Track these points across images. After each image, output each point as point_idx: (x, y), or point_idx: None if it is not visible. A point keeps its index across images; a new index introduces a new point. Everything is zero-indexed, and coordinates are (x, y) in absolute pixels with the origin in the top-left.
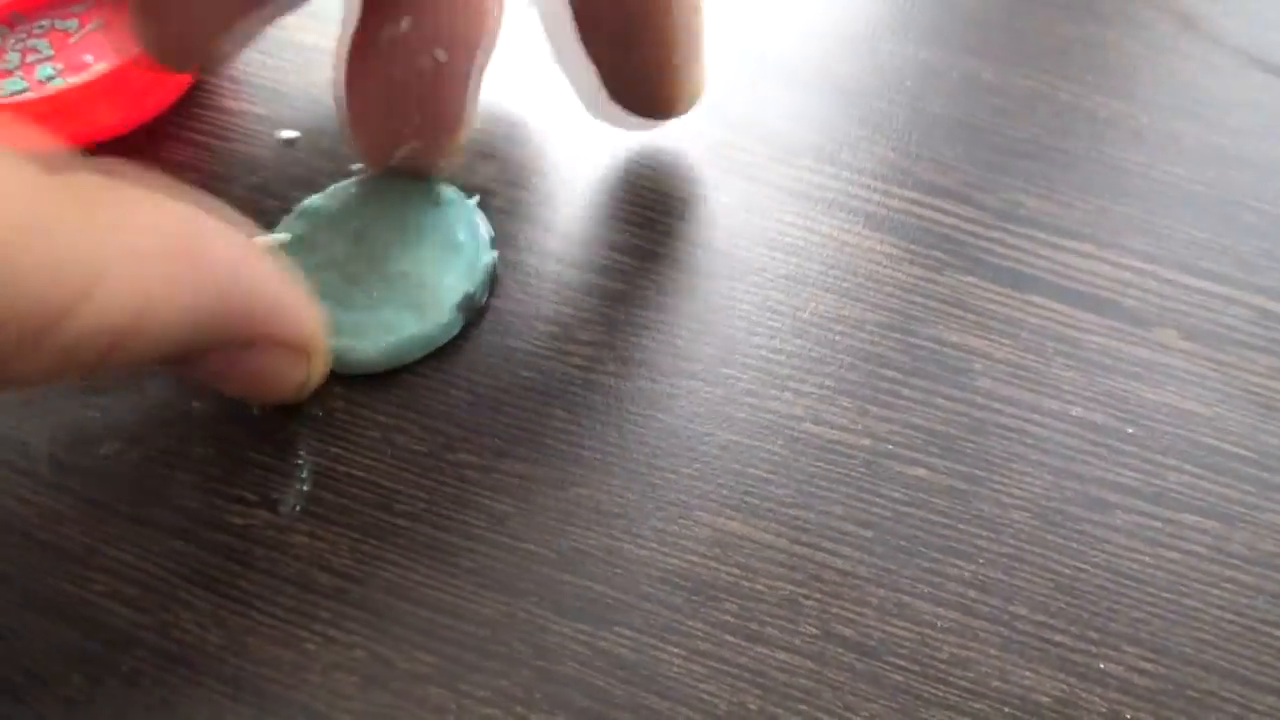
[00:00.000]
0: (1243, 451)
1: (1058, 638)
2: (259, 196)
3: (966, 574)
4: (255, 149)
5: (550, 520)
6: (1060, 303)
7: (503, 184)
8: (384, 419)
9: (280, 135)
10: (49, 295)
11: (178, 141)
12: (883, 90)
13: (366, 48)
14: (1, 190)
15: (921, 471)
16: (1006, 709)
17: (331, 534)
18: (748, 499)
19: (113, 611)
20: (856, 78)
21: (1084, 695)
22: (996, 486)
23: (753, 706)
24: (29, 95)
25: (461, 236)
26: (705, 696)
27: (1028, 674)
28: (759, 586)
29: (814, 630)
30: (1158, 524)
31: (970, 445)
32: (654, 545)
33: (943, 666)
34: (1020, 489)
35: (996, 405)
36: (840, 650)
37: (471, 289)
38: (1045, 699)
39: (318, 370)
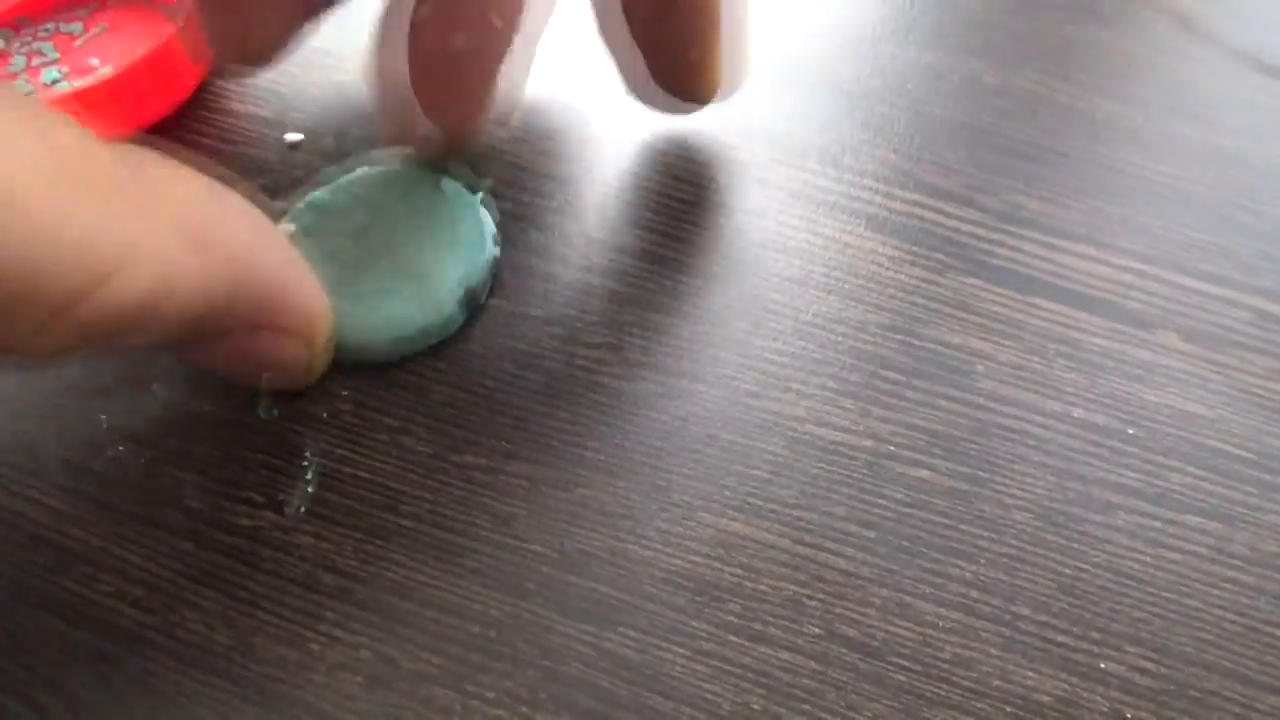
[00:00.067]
0: (1244, 453)
1: (1060, 638)
2: (263, 199)
3: (969, 574)
4: (260, 152)
5: (555, 521)
6: (1062, 305)
7: (509, 188)
8: (390, 421)
9: (285, 138)
10: (72, 276)
11: (183, 144)
12: (885, 93)
13: (396, 27)
14: (29, 174)
15: (924, 473)
16: (1008, 708)
17: (337, 535)
18: (751, 500)
19: (120, 612)
20: (859, 80)
21: (1086, 695)
22: (998, 487)
23: (756, 706)
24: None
25: (465, 230)
26: (709, 696)
27: (1030, 674)
28: (762, 587)
29: (817, 630)
30: (1159, 525)
31: (972, 446)
32: (658, 546)
33: (945, 666)
34: (1022, 490)
35: (998, 407)
36: (843, 650)
37: (474, 283)
38: (1047, 698)
39: (322, 357)
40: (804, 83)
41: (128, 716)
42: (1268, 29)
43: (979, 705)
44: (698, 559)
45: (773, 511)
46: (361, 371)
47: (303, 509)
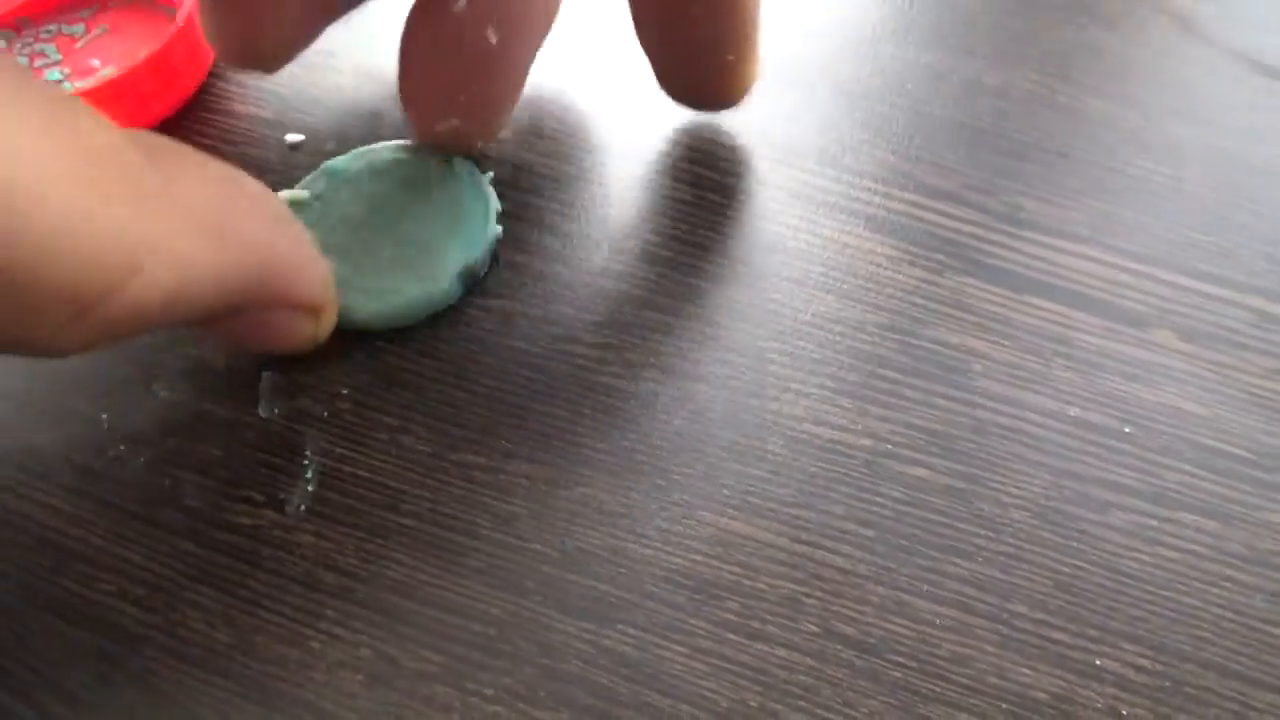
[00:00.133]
0: (1240, 451)
1: (1056, 635)
2: None
3: (965, 572)
4: (261, 153)
5: (555, 520)
6: (1059, 304)
7: (510, 187)
8: (391, 420)
9: (286, 139)
10: (96, 276)
11: None
12: (884, 93)
13: (423, 21)
14: (58, 174)
15: (921, 471)
16: (1004, 705)
17: (338, 534)
18: (749, 499)
19: (121, 611)
20: (858, 81)
21: (1082, 692)
22: (995, 486)
23: (754, 703)
24: None
25: (469, 207)
26: (707, 694)
27: (1026, 671)
28: (760, 585)
29: (815, 628)
30: (1155, 523)
31: (969, 445)
32: (657, 545)
33: (942, 664)
34: (1019, 488)
35: (995, 405)
36: (840, 648)
37: (472, 259)
38: (1043, 695)
39: (326, 326)
40: (803, 83)
41: (128, 715)
42: (1267, 30)
43: (975, 702)
44: (696, 557)
45: (771, 510)
46: (362, 370)
47: (303, 508)
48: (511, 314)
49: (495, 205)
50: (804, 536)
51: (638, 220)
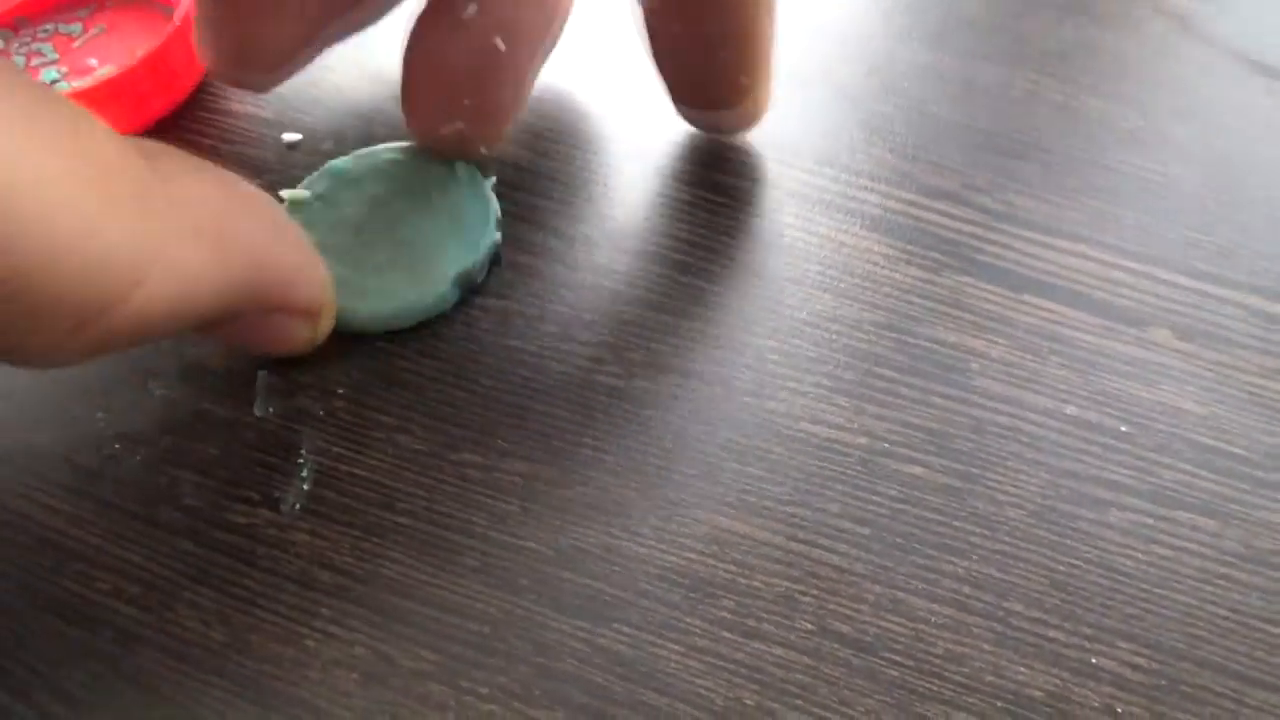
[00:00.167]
0: (1237, 450)
1: (1052, 633)
2: None
3: (961, 570)
4: (259, 152)
5: (550, 519)
6: (1055, 303)
7: (509, 187)
8: (387, 419)
9: (283, 138)
10: (99, 289)
11: (182, 145)
12: (882, 93)
13: (431, 25)
14: (64, 186)
15: (917, 469)
16: (1000, 703)
17: (333, 532)
18: (745, 497)
19: (117, 610)
20: (855, 80)
21: (1077, 690)
22: (991, 484)
23: (749, 702)
24: None
25: (468, 212)
26: (702, 692)
27: (1022, 669)
28: (756, 583)
29: (810, 626)
30: (1152, 521)
31: (966, 443)
32: (652, 543)
33: (938, 662)
34: (1015, 486)
35: (992, 404)
36: (836, 646)
37: (470, 265)
38: (1039, 694)
39: (324, 328)
40: (801, 82)
41: (124, 714)
42: (1265, 30)
43: (971, 700)
44: (692, 555)
45: (767, 508)
46: (359, 370)
47: (299, 507)
48: (509, 313)
49: (496, 211)
50: (800, 535)
51: (635, 220)
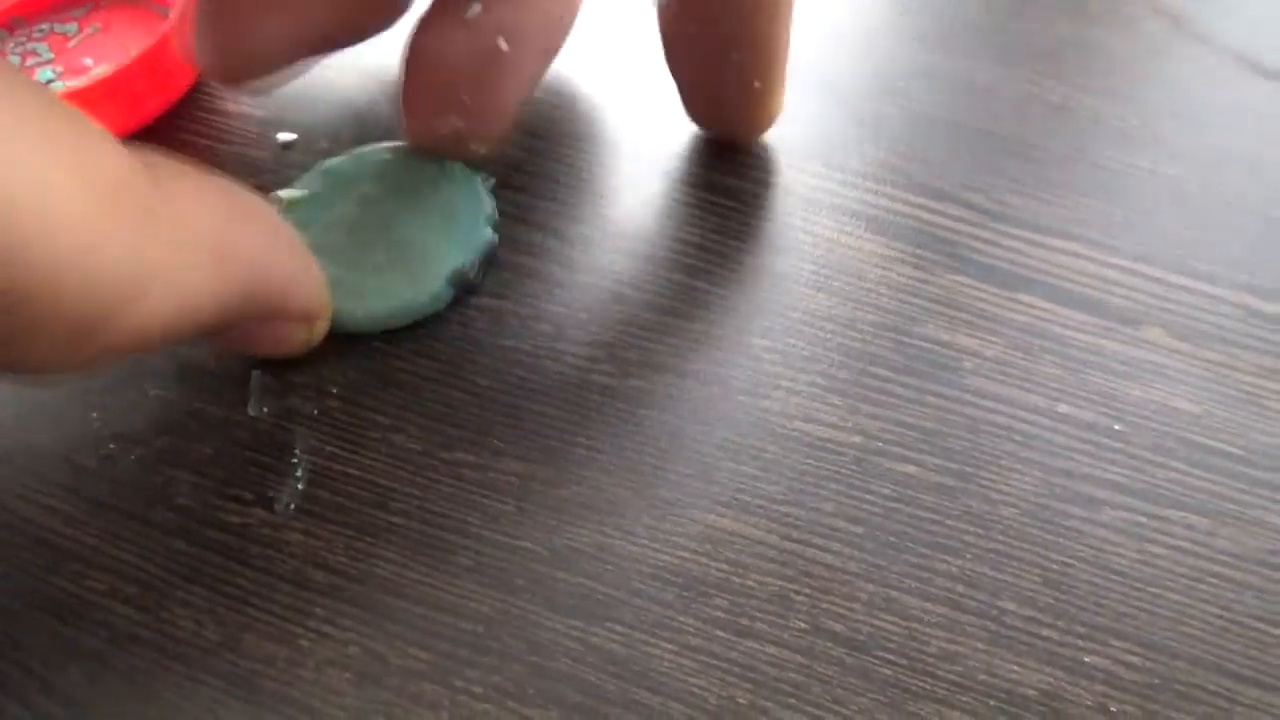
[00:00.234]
0: (1230, 448)
1: (1045, 632)
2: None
3: (955, 569)
4: (253, 152)
5: (544, 518)
6: (1049, 301)
7: (504, 187)
8: (381, 419)
9: (278, 138)
10: (97, 303)
11: (176, 144)
12: (876, 92)
13: (433, 24)
14: (67, 200)
15: (911, 468)
16: (993, 702)
17: (327, 532)
18: (739, 496)
19: (111, 609)
20: (850, 79)
21: (1070, 688)
22: (985, 483)
23: (743, 700)
24: None
25: (462, 211)
26: (696, 691)
27: (1015, 667)
28: (749, 582)
29: (804, 625)
30: (1145, 520)
31: (959, 442)
32: (646, 542)
33: (931, 660)
34: (1009, 485)
35: (986, 403)
36: (830, 645)
37: (464, 263)
38: (1032, 692)
39: (320, 332)
40: (796, 81)
41: (118, 713)
42: (1259, 30)
43: (964, 699)
44: (685, 555)
45: (760, 507)
46: (353, 369)
47: (293, 506)
48: (504, 313)
49: (490, 210)
50: (793, 534)
51: (632, 220)
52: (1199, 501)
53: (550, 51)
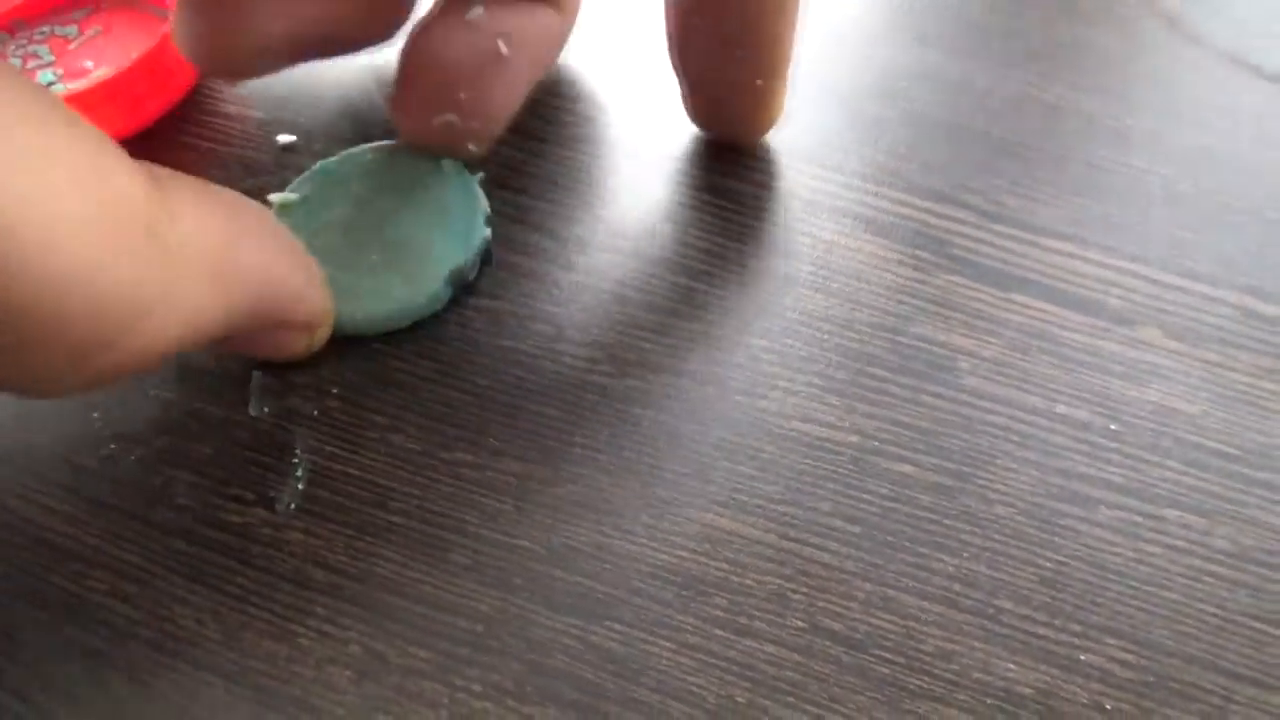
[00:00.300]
0: (1225, 448)
1: (1041, 630)
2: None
3: (951, 568)
4: (254, 154)
5: (543, 517)
6: (1045, 302)
7: (502, 188)
8: (380, 419)
9: (278, 140)
10: (100, 327)
11: (177, 146)
12: (873, 93)
13: (434, 24)
14: (75, 221)
15: (908, 468)
16: (989, 700)
17: (327, 531)
18: (737, 495)
19: (111, 608)
20: (847, 80)
21: (1066, 686)
22: (981, 482)
23: (741, 699)
24: None
25: (458, 210)
26: (694, 689)
27: (1011, 666)
28: (747, 581)
29: (801, 624)
30: (1140, 519)
31: (956, 442)
32: (644, 541)
33: (927, 659)
34: (1005, 485)
35: (982, 403)
36: (827, 643)
37: (461, 262)
38: (1028, 690)
39: (322, 337)
40: (794, 83)
41: (119, 711)
42: (1254, 31)
43: (960, 697)
44: (684, 554)
45: (758, 507)
46: (353, 370)
47: (293, 506)
48: (502, 314)
49: (485, 207)
50: (791, 533)
51: (629, 221)
52: (1195, 501)
53: (546, 61)
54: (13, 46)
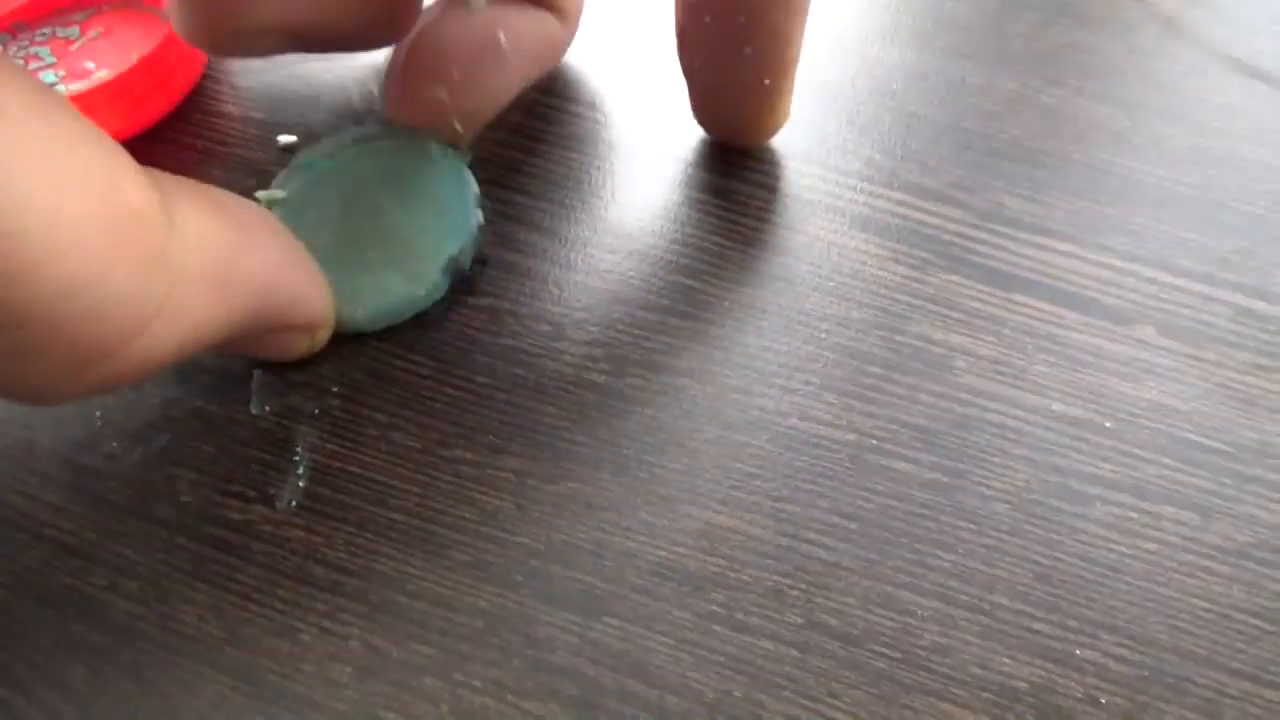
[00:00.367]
0: (1220, 445)
1: (1036, 625)
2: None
3: (948, 564)
4: (254, 154)
5: (542, 514)
6: (1042, 301)
7: (499, 187)
8: (381, 417)
9: (279, 140)
10: (101, 336)
11: (178, 147)
12: (871, 94)
13: (440, 14)
14: (83, 228)
15: (905, 465)
16: (986, 694)
17: (328, 528)
18: (735, 493)
19: (113, 605)
20: (845, 81)
21: (1061, 681)
22: (978, 479)
23: (739, 694)
24: None
25: (450, 197)
26: (692, 685)
27: (1007, 661)
28: (745, 577)
29: (799, 619)
30: (1135, 515)
31: (953, 439)
32: (643, 538)
33: (924, 654)
34: (1001, 482)
35: (979, 401)
36: (824, 639)
37: (456, 250)
38: (1024, 685)
39: (323, 338)
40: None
41: (121, 707)
42: (1251, 32)
43: (957, 692)
44: (682, 550)
45: (756, 504)
46: (353, 368)
47: (294, 503)
48: (502, 312)
49: (475, 190)
50: (789, 530)
51: (627, 220)
52: (1189, 497)
53: (543, 62)
54: (14, 48)
